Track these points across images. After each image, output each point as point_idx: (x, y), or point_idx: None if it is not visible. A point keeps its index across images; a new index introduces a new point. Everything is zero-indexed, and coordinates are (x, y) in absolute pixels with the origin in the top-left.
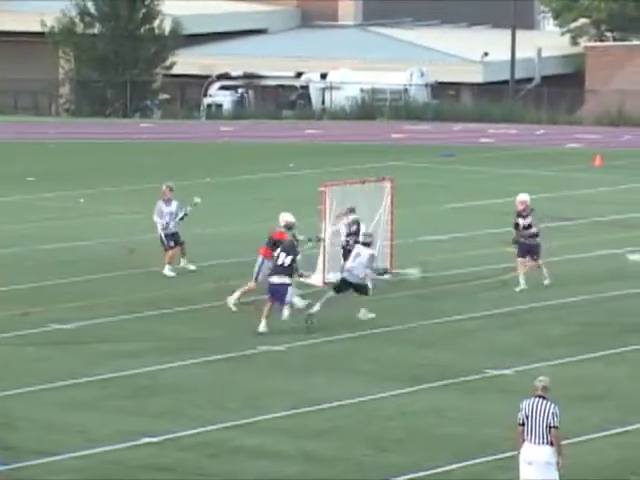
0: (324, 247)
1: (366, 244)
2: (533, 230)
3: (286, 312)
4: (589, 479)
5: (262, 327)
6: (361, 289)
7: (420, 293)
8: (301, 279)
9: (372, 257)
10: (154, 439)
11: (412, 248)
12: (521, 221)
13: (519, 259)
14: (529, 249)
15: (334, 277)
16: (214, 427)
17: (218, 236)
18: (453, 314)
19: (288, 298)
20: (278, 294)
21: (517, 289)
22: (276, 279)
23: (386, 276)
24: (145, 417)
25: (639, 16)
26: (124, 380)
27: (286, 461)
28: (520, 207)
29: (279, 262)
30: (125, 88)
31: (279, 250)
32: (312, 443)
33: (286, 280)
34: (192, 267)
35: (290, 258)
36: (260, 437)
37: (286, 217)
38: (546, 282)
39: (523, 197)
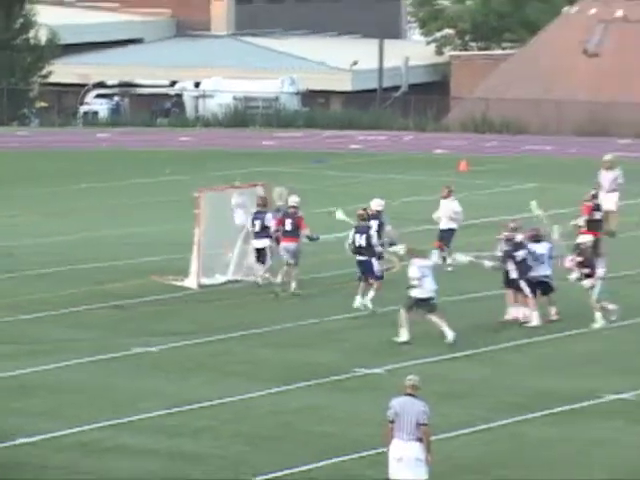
0: (198, 251)
1: None
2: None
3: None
4: (456, 474)
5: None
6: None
7: (289, 295)
8: (175, 283)
9: None
10: (30, 439)
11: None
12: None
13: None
14: None
15: (209, 281)
16: (90, 427)
17: (97, 239)
18: (325, 315)
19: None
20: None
21: None
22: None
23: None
24: (21, 417)
25: (502, 26)
26: None
27: (162, 459)
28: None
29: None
30: (2, 96)
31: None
32: (188, 441)
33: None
34: None
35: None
36: (137, 436)
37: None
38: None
39: (377, 201)
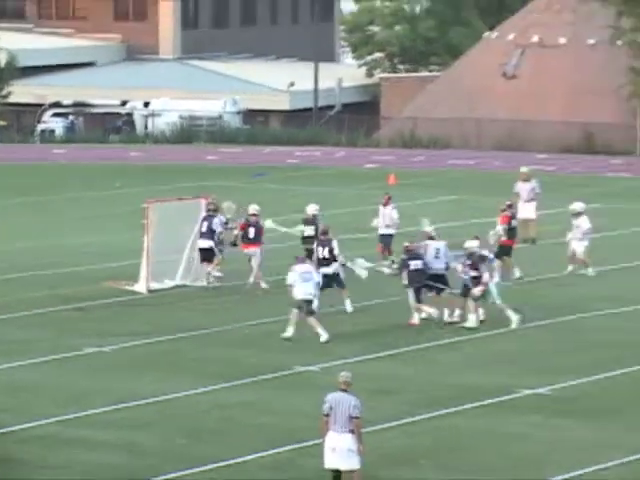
0: (147, 258)
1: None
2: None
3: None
4: (385, 464)
5: None
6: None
7: (235, 299)
8: (127, 287)
9: None
10: None
11: (229, 258)
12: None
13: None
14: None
15: (158, 285)
16: (47, 421)
17: (57, 248)
18: (265, 317)
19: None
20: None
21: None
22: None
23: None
24: None
25: (428, 50)
26: None
27: (112, 451)
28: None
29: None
30: None
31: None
32: (136, 434)
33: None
34: None
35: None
36: (89, 430)
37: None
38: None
39: (313, 206)
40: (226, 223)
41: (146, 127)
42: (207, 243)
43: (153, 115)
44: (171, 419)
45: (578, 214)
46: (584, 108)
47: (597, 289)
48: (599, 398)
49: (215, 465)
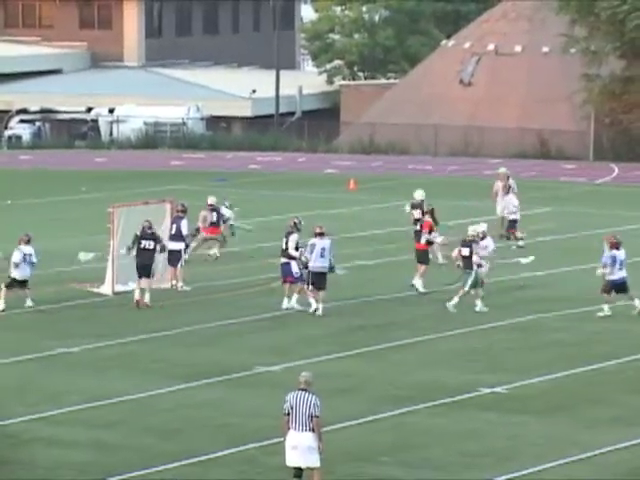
0: (112, 259)
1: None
2: None
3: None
4: (345, 461)
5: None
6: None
7: (197, 300)
8: (92, 289)
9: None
10: None
11: (190, 262)
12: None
13: None
14: None
15: (123, 288)
16: (14, 420)
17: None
18: (225, 318)
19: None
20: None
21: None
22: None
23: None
24: None
25: (386, 58)
26: None
27: (79, 449)
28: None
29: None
30: None
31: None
32: (102, 433)
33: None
34: None
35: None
36: (57, 428)
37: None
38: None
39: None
40: (197, 230)
41: (111, 133)
42: (176, 245)
43: (118, 121)
44: (137, 418)
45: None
46: (538, 115)
47: (551, 291)
48: (554, 395)
49: (180, 463)
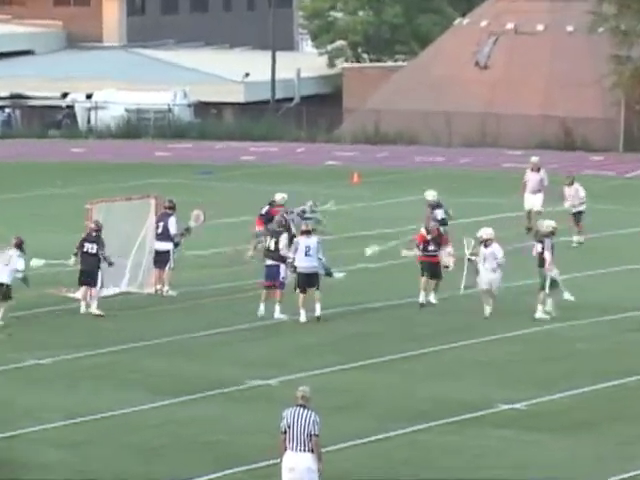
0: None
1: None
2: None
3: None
4: None
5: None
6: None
7: (182, 307)
8: (68, 295)
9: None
10: None
11: (176, 264)
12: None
13: None
14: None
15: (103, 292)
16: None
17: None
18: (215, 327)
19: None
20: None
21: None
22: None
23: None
24: None
25: (393, 38)
26: None
27: (50, 471)
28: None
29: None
30: None
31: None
32: (76, 453)
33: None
34: None
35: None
36: (28, 450)
37: None
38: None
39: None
40: (187, 229)
41: (89, 121)
42: (163, 245)
43: (97, 108)
44: (115, 437)
45: (487, 241)
46: (562, 101)
47: (577, 296)
48: (577, 412)
49: None
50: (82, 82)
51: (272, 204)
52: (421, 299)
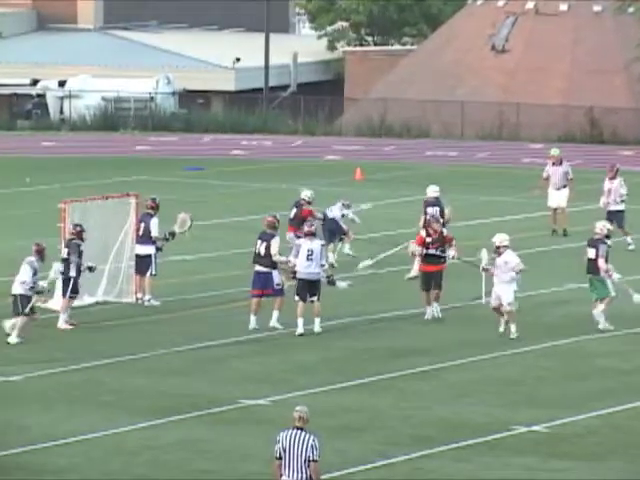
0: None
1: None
2: None
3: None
4: None
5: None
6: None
7: (163, 318)
8: (39, 304)
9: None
10: None
11: (158, 270)
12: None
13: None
14: None
15: (76, 302)
16: None
17: None
18: (202, 340)
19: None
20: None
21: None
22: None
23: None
24: None
25: (401, 19)
26: None
27: None
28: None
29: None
30: None
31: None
32: None
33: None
34: None
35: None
36: None
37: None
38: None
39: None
40: (171, 234)
41: (62, 111)
42: (145, 249)
43: (70, 97)
44: (91, 463)
45: (500, 248)
46: (588, 89)
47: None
48: (606, 436)
49: None
50: (54, 68)
51: (299, 205)
52: (428, 315)
